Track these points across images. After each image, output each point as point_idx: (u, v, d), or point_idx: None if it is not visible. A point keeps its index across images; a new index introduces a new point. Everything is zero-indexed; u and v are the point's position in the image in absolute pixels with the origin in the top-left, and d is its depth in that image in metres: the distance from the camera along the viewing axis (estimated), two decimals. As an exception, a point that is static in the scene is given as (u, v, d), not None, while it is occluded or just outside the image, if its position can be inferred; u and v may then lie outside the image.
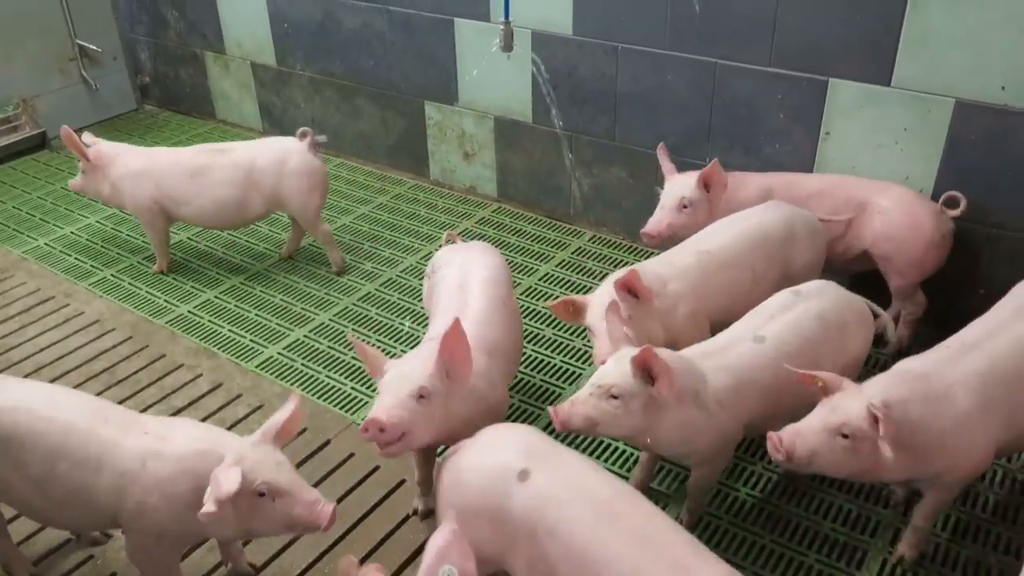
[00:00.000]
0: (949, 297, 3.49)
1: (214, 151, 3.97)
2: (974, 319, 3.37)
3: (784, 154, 3.67)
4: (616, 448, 3.05)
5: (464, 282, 2.82)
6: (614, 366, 2.33)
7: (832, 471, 2.28)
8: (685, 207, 3.28)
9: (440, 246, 3.19)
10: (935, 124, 3.28)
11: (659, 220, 3.31)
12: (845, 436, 2.20)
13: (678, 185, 3.33)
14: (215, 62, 5.66)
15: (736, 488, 2.90)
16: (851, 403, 2.22)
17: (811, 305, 2.64)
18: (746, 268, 2.96)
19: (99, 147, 3.98)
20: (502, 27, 3.67)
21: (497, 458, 2.12)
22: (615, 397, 2.29)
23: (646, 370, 2.26)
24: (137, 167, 3.93)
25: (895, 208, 3.20)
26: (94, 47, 5.64)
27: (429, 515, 2.77)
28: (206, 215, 3.95)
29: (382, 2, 4.61)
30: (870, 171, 3.47)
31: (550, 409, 2.36)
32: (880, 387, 2.28)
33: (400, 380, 2.29)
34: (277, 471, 2.12)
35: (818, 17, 3.37)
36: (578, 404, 2.32)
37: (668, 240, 3.28)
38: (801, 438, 2.23)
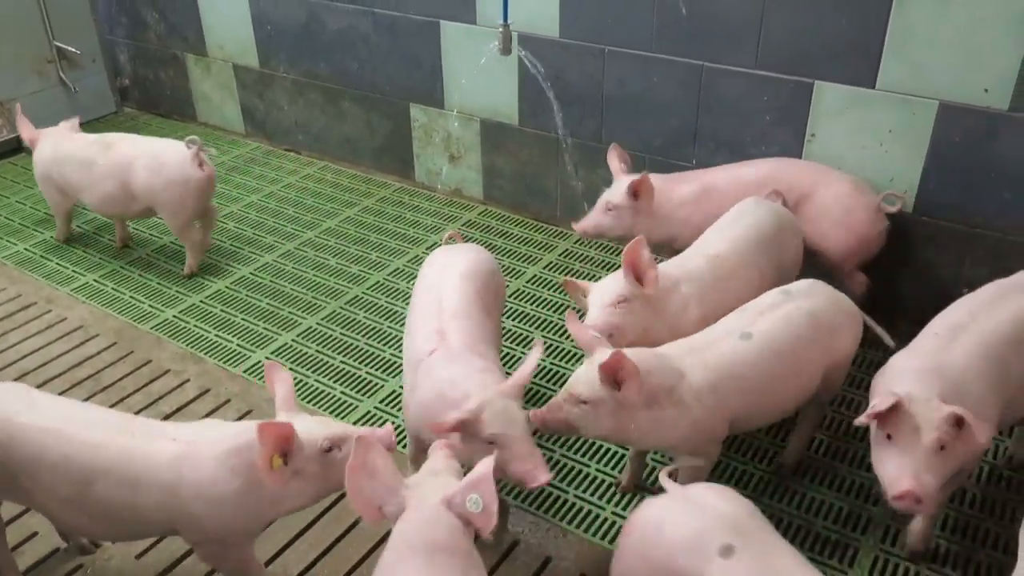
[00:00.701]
0: (932, 296, 3.53)
1: (104, 144, 4.05)
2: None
3: (770, 156, 3.69)
4: (605, 449, 3.06)
5: (440, 279, 2.82)
6: (584, 372, 2.37)
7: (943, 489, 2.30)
8: (610, 210, 3.42)
9: (434, 246, 3.18)
10: (919, 126, 3.32)
11: (587, 219, 3.53)
12: (943, 448, 2.16)
13: (611, 188, 3.49)
14: (196, 64, 5.62)
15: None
16: (926, 417, 2.17)
17: (802, 304, 2.66)
18: (753, 269, 2.97)
19: (38, 130, 4.22)
20: (501, 30, 3.67)
21: (702, 523, 1.93)
22: (584, 403, 2.34)
23: (612, 375, 2.29)
24: (47, 150, 4.12)
25: (835, 204, 3.31)
26: (72, 49, 5.57)
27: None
28: (95, 204, 4.09)
29: (367, 4, 4.60)
30: (856, 172, 3.49)
31: (530, 412, 2.37)
32: (924, 389, 2.25)
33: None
34: (323, 425, 2.20)
35: (804, 20, 3.40)
36: (553, 410, 2.38)
37: (598, 237, 3.60)
38: (923, 481, 2.14)
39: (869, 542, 2.70)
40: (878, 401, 2.22)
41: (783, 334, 2.57)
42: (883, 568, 2.62)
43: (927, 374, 2.32)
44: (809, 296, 2.70)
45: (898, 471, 2.16)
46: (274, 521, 2.40)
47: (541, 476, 2.19)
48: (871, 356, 3.34)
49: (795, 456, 2.95)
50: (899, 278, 3.56)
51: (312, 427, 2.16)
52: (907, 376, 2.34)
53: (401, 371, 3.45)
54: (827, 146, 3.55)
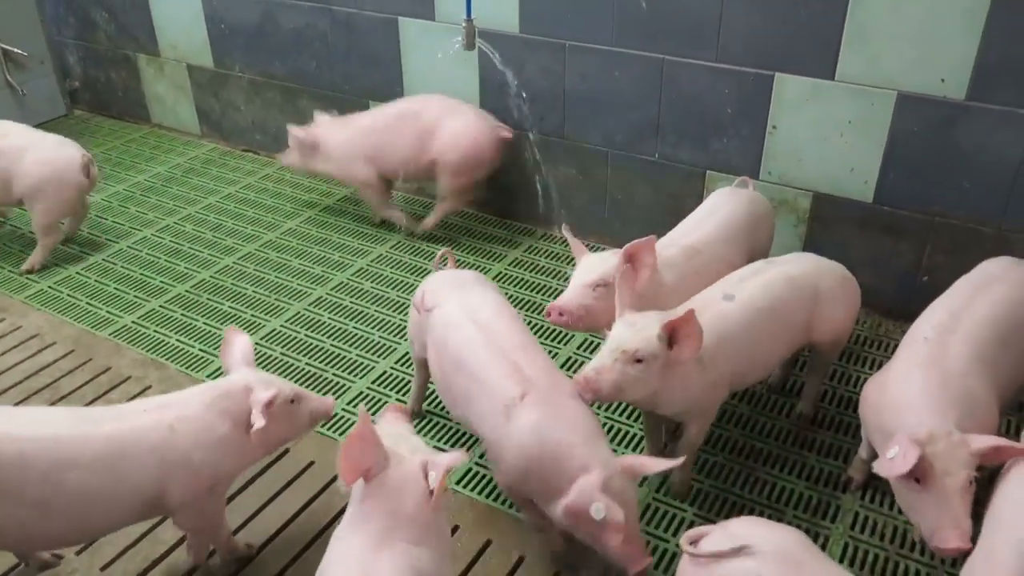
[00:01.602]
0: (895, 285, 3.59)
1: None
2: (918, 305, 3.48)
3: (732, 148, 3.72)
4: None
5: (478, 312, 2.64)
6: (632, 332, 2.39)
7: None
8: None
9: (398, 245, 3.14)
10: (878, 116, 3.36)
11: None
12: (971, 482, 2.13)
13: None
14: (149, 64, 5.50)
15: (700, 480, 2.93)
16: (953, 456, 2.13)
17: (783, 269, 2.79)
18: (725, 263, 3.00)
19: None
20: (464, 25, 3.64)
21: (758, 563, 1.89)
22: (639, 361, 2.37)
23: (673, 334, 2.39)
24: None
25: (461, 127, 4.02)
26: (19, 51, 5.43)
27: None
28: None
29: (324, 1, 4.54)
30: (817, 163, 3.54)
31: (576, 378, 2.40)
32: (939, 420, 2.22)
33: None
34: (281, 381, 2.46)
35: (763, 13, 3.42)
36: (605, 372, 2.38)
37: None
38: (965, 527, 2.10)
39: (839, 530, 2.72)
40: (899, 454, 2.11)
41: (763, 295, 2.67)
42: (853, 555, 2.65)
43: (938, 402, 2.28)
44: (791, 262, 2.85)
45: (939, 522, 2.11)
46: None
47: (644, 561, 2.18)
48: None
49: (811, 405, 3.11)
50: (859, 267, 3.58)
51: (278, 381, 2.45)
52: (919, 411, 2.28)
53: (368, 371, 3.42)
54: (789, 137, 3.58)
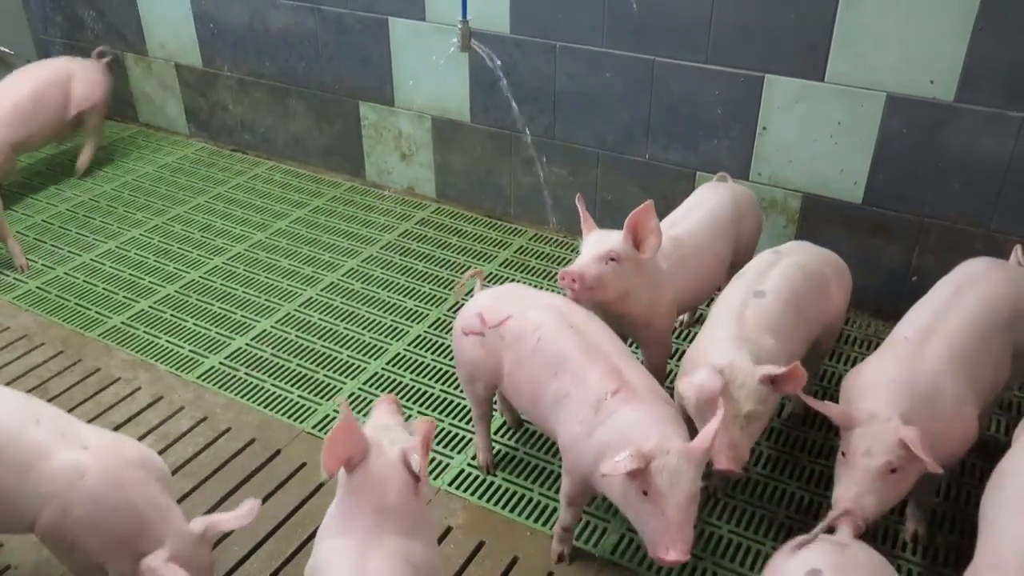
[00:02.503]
0: (884, 285, 3.60)
1: None
2: (907, 305, 3.50)
3: (722, 149, 3.73)
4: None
5: (567, 320, 2.58)
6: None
7: (891, 505, 2.30)
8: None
9: (387, 246, 3.12)
10: (867, 118, 3.37)
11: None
12: (894, 471, 2.20)
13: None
14: (136, 64, 5.47)
15: (691, 480, 2.94)
16: (880, 439, 2.21)
17: (793, 259, 2.84)
18: (710, 254, 3.05)
19: None
20: (460, 26, 3.64)
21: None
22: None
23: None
24: None
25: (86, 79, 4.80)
26: (6, 50, 5.39)
27: None
28: None
29: (313, 1, 4.52)
30: (807, 164, 3.56)
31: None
32: (888, 406, 2.27)
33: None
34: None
35: (753, 14, 3.43)
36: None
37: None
38: (866, 508, 2.18)
39: None
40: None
41: (787, 287, 2.73)
42: (845, 554, 2.66)
43: (897, 387, 2.33)
44: (797, 252, 2.90)
45: (842, 492, 2.22)
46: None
47: (675, 552, 2.05)
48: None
49: (802, 405, 3.10)
50: (850, 267, 3.60)
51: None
52: (877, 391, 2.34)
53: (359, 372, 3.41)
54: (778, 138, 3.59)
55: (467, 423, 3.15)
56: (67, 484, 2.12)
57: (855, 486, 2.21)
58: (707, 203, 3.19)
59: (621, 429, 2.25)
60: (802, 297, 2.73)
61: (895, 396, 2.31)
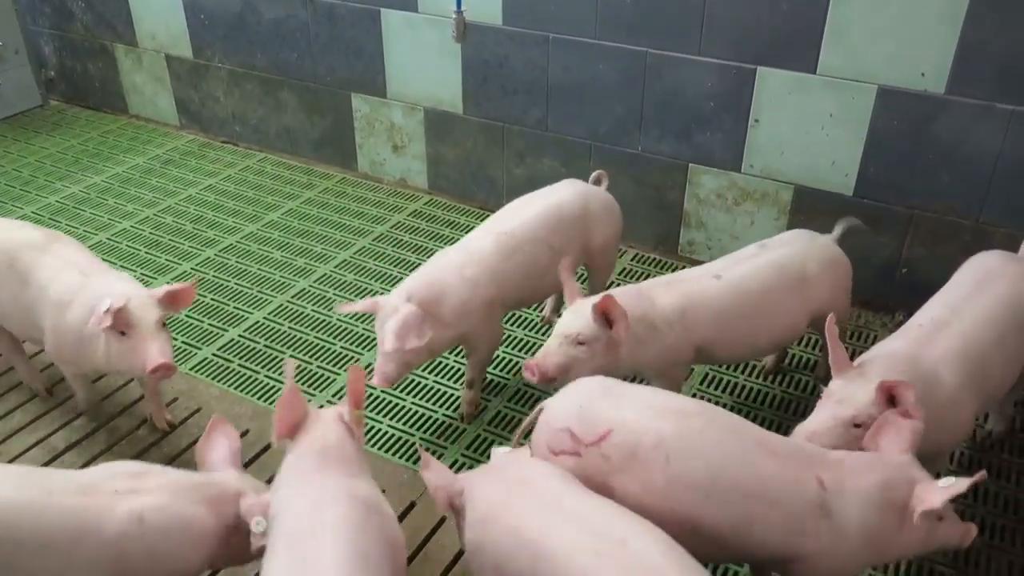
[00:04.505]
0: (875, 277, 3.63)
1: None
2: (898, 297, 3.53)
3: (715, 141, 3.75)
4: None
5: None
6: (574, 317, 2.56)
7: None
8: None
9: (380, 238, 3.10)
10: (859, 110, 3.39)
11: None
12: (858, 426, 2.22)
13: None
14: (126, 55, 5.44)
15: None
16: (856, 393, 2.25)
17: (773, 255, 2.86)
18: (544, 245, 3.03)
19: None
20: (455, 17, 3.64)
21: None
22: (582, 343, 2.52)
23: (605, 316, 2.49)
24: None
25: None
26: (-6, 40, 5.37)
27: None
28: None
29: (305, -8, 4.52)
30: (799, 156, 3.58)
31: (526, 363, 2.55)
32: (881, 373, 2.29)
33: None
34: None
35: (746, 6, 3.44)
36: (551, 355, 2.54)
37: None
38: (818, 437, 2.23)
39: None
40: (835, 357, 2.33)
41: (751, 280, 2.77)
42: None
43: (897, 361, 2.37)
44: (782, 246, 2.91)
45: (804, 426, 2.29)
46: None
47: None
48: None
49: (774, 365, 3.30)
50: (841, 259, 3.64)
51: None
52: (878, 359, 2.38)
53: (352, 363, 3.40)
54: (771, 131, 3.61)
55: (459, 414, 3.16)
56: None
57: (816, 425, 2.27)
58: (551, 197, 3.16)
59: (878, 500, 2.01)
60: (769, 292, 2.79)
61: (891, 366, 2.33)
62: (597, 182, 3.36)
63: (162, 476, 2.12)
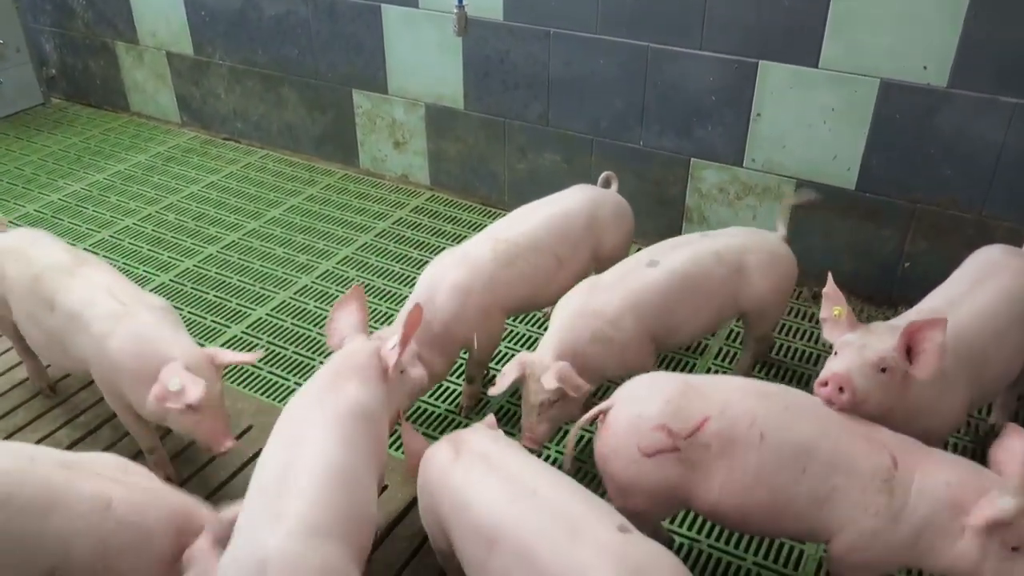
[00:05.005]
0: (877, 271, 3.63)
1: None
2: (900, 291, 3.52)
3: (716, 135, 3.74)
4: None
5: None
6: (537, 386, 2.57)
7: (875, 409, 2.22)
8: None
9: (382, 234, 3.10)
10: (861, 104, 3.39)
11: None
12: (883, 371, 2.19)
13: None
14: (128, 52, 5.44)
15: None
16: (876, 341, 2.22)
17: (712, 243, 2.88)
18: (549, 255, 3.01)
19: None
20: (456, 11, 3.64)
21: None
22: (552, 405, 2.58)
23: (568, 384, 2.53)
24: None
25: None
26: (-5, 38, 5.37)
27: None
28: None
29: (306, -12, 4.51)
30: (800, 150, 3.57)
31: (522, 441, 2.59)
32: (885, 328, 2.30)
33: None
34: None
35: (747, 0, 3.43)
36: (535, 428, 2.62)
37: None
38: (855, 377, 2.16)
39: (812, 547, 2.67)
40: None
41: (687, 265, 2.80)
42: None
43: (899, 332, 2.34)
44: (723, 236, 2.95)
45: (831, 368, 2.21)
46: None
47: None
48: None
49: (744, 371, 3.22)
50: (842, 254, 3.64)
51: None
52: (891, 329, 2.30)
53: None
54: (772, 125, 3.60)
55: (459, 407, 3.17)
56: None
57: (848, 363, 2.18)
58: (557, 204, 3.15)
59: (941, 496, 1.99)
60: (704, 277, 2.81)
61: (893, 335, 2.25)
62: (606, 184, 3.34)
63: (148, 480, 2.16)
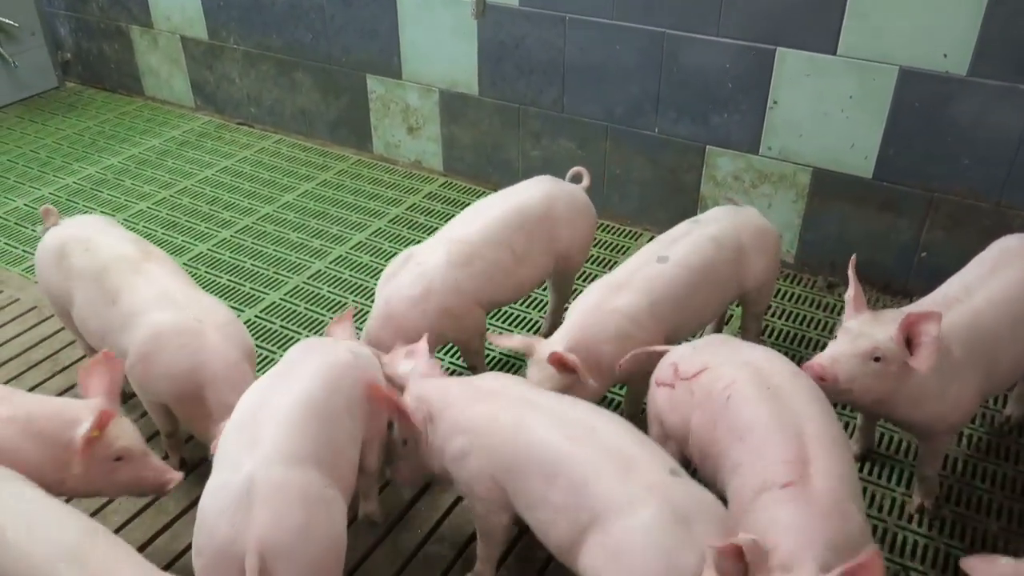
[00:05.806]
0: (894, 260, 3.60)
1: None
2: (916, 281, 3.50)
3: (732, 123, 3.72)
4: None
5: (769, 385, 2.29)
6: (536, 371, 2.55)
7: (864, 396, 2.34)
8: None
9: (395, 219, 3.09)
10: (879, 91, 3.35)
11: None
12: (877, 360, 2.28)
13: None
14: (142, 36, 5.45)
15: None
16: (876, 329, 2.30)
17: (707, 230, 2.88)
18: (505, 248, 2.95)
19: None
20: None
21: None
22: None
23: (562, 365, 2.49)
24: None
25: None
26: (10, 22, 5.37)
27: None
28: None
29: (320, -27, 4.50)
30: (817, 138, 3.55)
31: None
32: (892, 316, 2.34)
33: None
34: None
35: (765, -14, 3.41)
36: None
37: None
38: (839, 364, 2.30)
39: None
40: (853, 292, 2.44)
41: (692, 256, 2.79)
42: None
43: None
44: (714, 222, 2.95)
45: (821, 356, 2.34)
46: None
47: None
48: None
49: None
50: (858, 243, 3.61)
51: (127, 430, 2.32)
52: (897, 313, 2.36)
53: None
54: (789, 112, 3.57)
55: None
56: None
57: (841, 352, 2.30)
58: (512, 198, 3.10)
59: (762, 531, 1.88)
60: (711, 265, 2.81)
61: (897, 323, 2.28)
62: (576, 179, 3.27)
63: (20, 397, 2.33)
